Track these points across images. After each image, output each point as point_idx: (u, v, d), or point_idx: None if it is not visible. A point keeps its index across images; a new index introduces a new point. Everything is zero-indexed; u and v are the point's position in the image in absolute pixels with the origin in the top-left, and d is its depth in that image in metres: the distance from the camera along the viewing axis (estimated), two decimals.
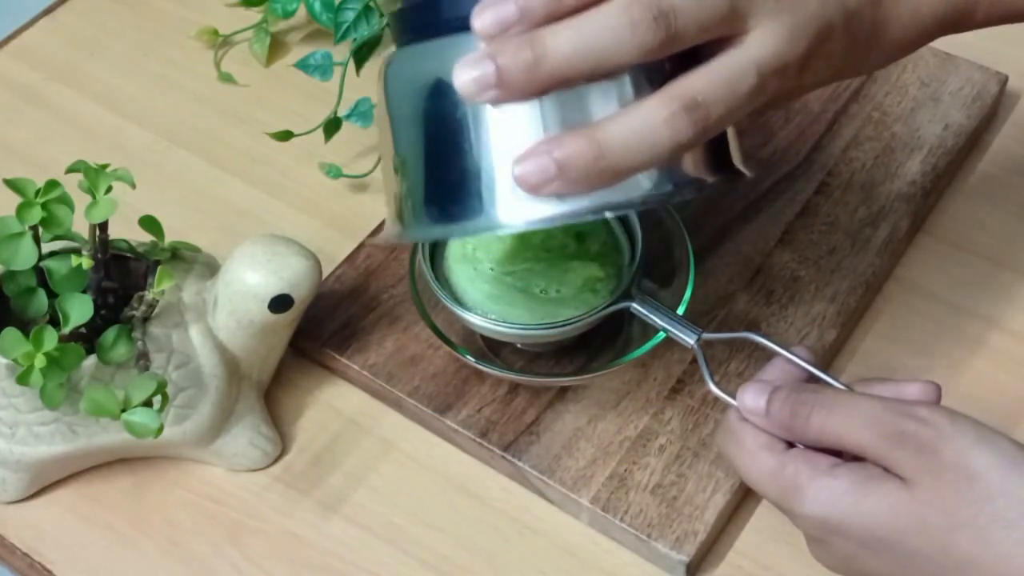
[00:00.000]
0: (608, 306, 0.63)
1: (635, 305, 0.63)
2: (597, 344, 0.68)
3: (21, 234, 0.59)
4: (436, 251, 0.67)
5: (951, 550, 0.49)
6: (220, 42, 0.89)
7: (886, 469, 0.52)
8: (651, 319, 0.63)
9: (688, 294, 0.65)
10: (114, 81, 0.87)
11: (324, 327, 0.70)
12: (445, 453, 0.68)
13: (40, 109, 0.86)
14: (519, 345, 0.68)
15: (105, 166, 0.60)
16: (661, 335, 0.64)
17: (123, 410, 0.58)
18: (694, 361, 0.68)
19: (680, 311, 0.64)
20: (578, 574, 0.63)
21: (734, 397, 0.57)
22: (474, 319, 0.64)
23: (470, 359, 0.65)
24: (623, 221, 0.67)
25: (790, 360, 0.58)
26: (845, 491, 0.52)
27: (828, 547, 0.54)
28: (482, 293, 0.65)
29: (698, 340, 0.62)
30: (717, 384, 0.59)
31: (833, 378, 0.57)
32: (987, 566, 0.49)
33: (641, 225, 0.66)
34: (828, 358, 0.69)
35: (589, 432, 0.66)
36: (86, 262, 0.60)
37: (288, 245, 0.63)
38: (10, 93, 0.87)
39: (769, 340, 0.59)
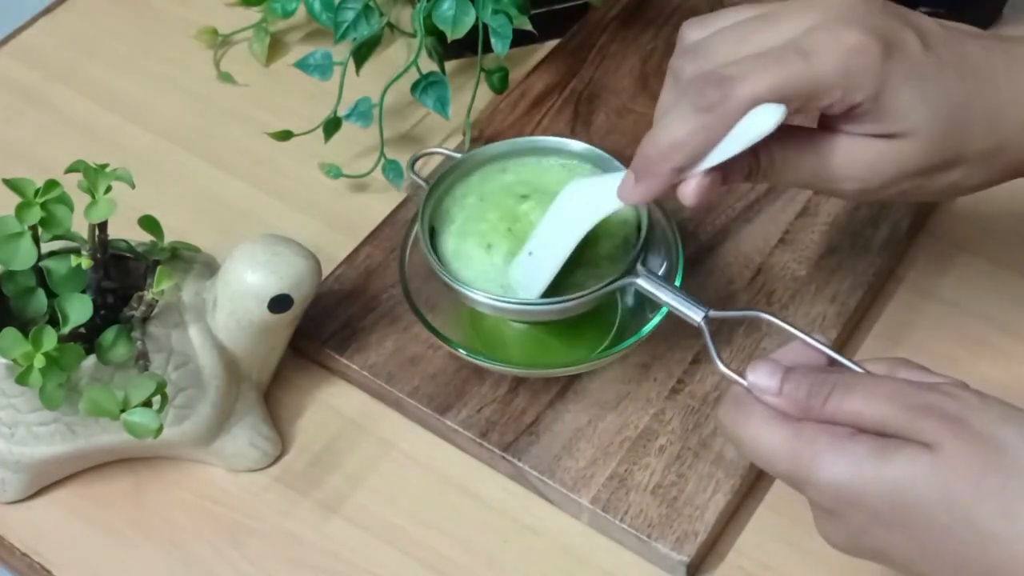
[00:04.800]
0: (612, 282, 0.62)
1: (639, 281, 0.62)
2: (596, 333, 0.68)
3: (20, 234, 0.59)
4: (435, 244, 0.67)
5: (973, 521, 0.47)
6: (220, 42, 0.89)
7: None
8: (656, 295, 0.62)
9: (679, 272, 0.65)
10: (114, 81, 0.87)
11: (324, 327, 0.70)
12: (445, 453, 0.68)
13: (40, 109, 0.86)
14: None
15: (104, 166, 0.60)
16: (664, 311, 0.62)
17: (122, 410, 0.58)
18: (695, 361, 0.68)
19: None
20: (578, 574, 0.63)
21: (743, 377, 0.54)
22: (476, 295, 0.63)
23: (462, 352, 0.65)
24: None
25: (804, 341, 0.55)
26: (866, 456, 0.49)
27: (839, 521, 0.51)
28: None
29: (705, 317, 0.60)
30: (725, 363, 0.56)
31: (851, 361, 0.54)
32: (1009, 541, 0.46)
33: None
34: None
35: (589, 432, 0.66)
36: (85, 262, 0.60)
37: (288, 245, 0.63)
38: (10, 93, 0.87)
39: (780, 319, 0.57)
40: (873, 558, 0.52)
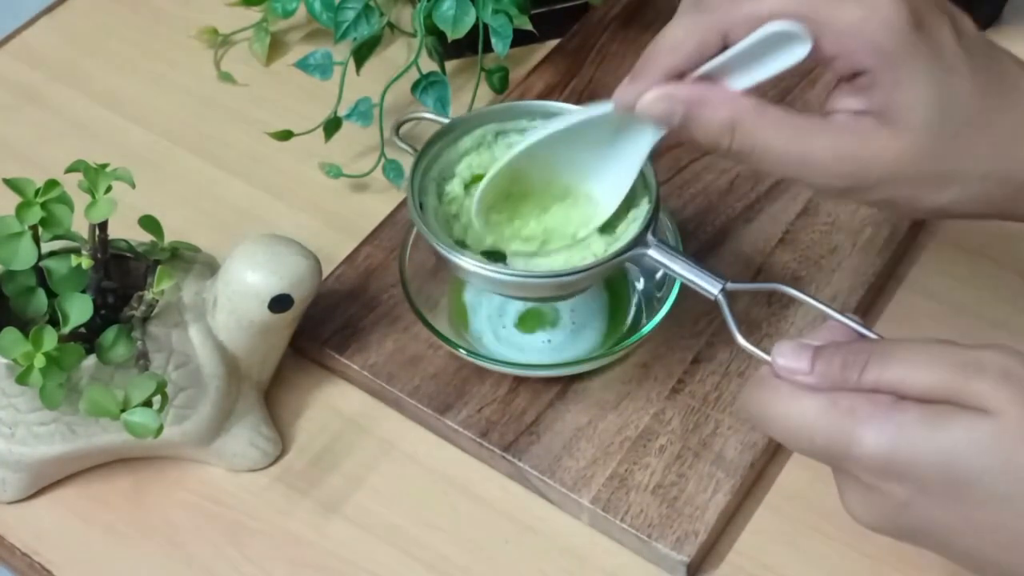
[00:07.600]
0: (622, 252, 0.59)
1: (651, 252, 0.58)
2: (596, 333, 0.68)
3: (21, 234, 0.59)
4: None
5: None
6: (220, 42, 0.89)
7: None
8: (669, 268, 0.58)
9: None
10: (114, 81, 0.87)
11: (324, 327, 0.70)
12: (445, 453, 0.68)
13: (40, 109, 0.86)
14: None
15: (105, 166, 0.60)
16: (664, 311, 0.61)
17: (123, 410, 0.58)
18: (695, 361, 0.68)
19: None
20: (578, 574, 0.63)
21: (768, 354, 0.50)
22: (473, 267, 0.60)
23: (462, 352, 0.65)
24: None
25: (830, 316, 0.51)
26: (917, 422, 0.45)
27: (878, 496, 0.47)
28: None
29: (723, 290, 0.57)
30: (746, 337, 0.53)
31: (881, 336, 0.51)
32: None
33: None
34: None
35: (589, 432, 0.66)
36: (86, 262, 0.60)
37: (288, 245, 0.63)
38: (10, 93, 0.87)
39: (802, 293, 0.54)
40: (908, 537, 0.48)
